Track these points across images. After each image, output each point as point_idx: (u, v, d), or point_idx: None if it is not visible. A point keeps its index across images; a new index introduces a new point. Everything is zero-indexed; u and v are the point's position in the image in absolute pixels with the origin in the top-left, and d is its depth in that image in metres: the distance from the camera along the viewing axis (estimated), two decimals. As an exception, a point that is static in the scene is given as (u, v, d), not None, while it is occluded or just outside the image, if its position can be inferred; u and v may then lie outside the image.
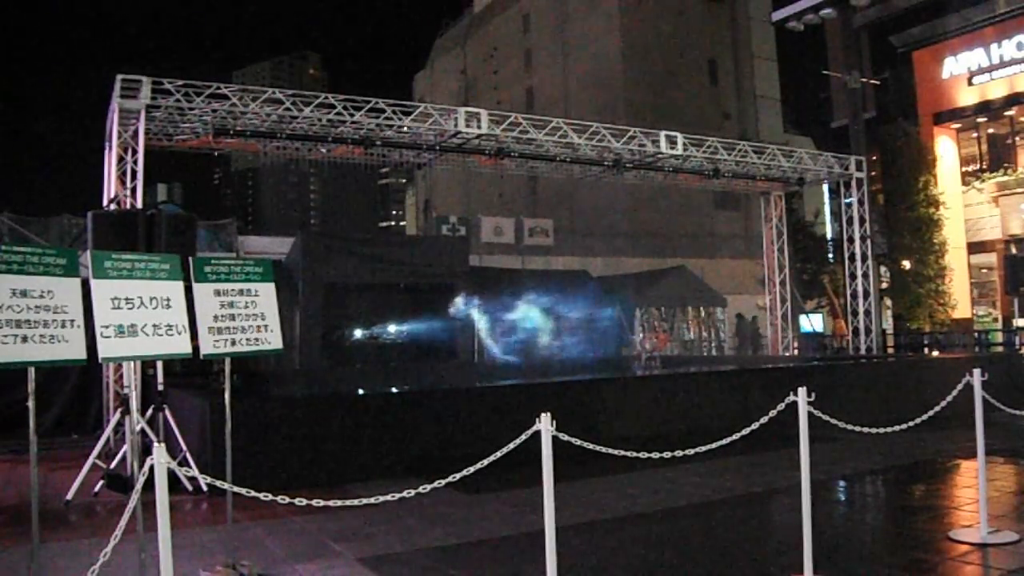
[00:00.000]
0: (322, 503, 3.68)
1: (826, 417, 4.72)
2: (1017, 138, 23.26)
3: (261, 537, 5.52)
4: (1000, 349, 21.58)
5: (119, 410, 7.84)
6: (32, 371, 4.04)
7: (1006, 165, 23.24)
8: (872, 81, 24.94)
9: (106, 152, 11.42)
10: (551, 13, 44.70)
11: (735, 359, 20.10)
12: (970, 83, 23.45)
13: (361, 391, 11.24)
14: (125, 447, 6.85)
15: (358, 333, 18.00)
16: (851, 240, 18.11)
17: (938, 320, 23.04)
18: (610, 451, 4.29)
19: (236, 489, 3.67)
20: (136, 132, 10.87)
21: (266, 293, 5.08)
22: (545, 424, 3.74)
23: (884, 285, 23.60)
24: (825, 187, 27.29)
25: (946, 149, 24.21)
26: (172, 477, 3.31)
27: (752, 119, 42.73)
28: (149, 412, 7.17)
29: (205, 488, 6.77)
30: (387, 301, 17.48)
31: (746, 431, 4.61)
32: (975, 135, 24.25)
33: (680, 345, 21.40)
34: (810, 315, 23.35)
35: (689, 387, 10.73)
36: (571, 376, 14.79)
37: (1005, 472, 7.39)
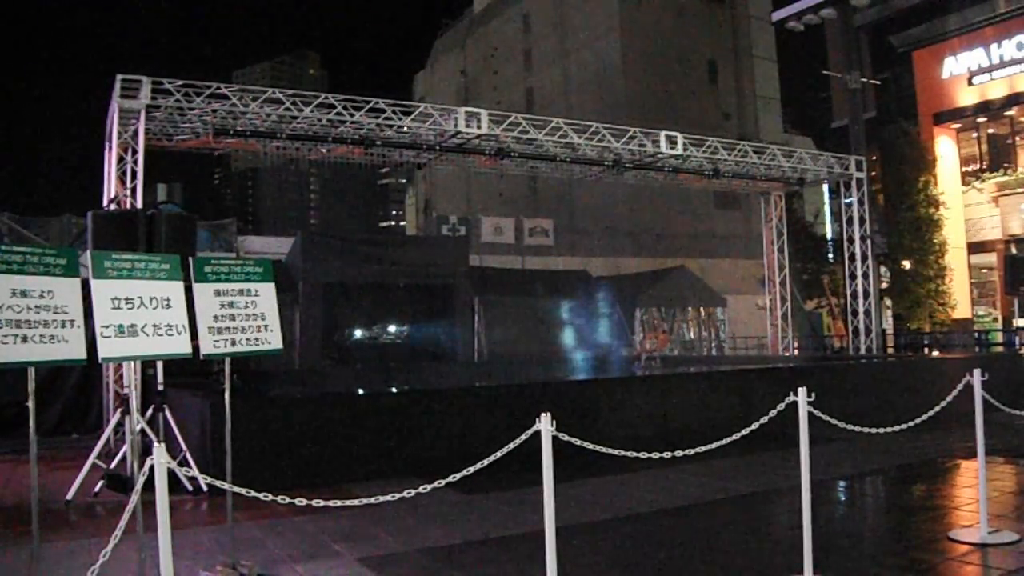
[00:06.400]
0: (322, 503, 3.68)
1: (826, 417, 4.72)
2: (1017, 138, 23.27)
3: (261, 537, 5.52)
4: (1000, 349, 21.58)
5: (119, 410, 7.84)
6: (32, 371, 4.04)
7: (1006, 165, 23.25)
8: (872, 81, 24.94)
9: (106, 152, 11.42)
10: (551, 13, 44.72)
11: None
12: (970, 83, 23.46)
13: (361, 391, 11.24)
14: (125, 447, 6.85)
15: (358, 333, 18.02)
16: (851, 240, 18.11)
17: (938, 320, 23.04)
18: (610, 451, 4.29)
19: (236, 489, 3.67)
20: (136, 132, 10.87)
21: (266, 293, 5.08)
22: (545, 424, 3.74)
23: (884, 285, 23.60)
24: (825, 187, 27.30)
25: (946, 149, 24.22)
26: (172, 477, 3.32)
27: (752, 119, 42.75)
28: (149, 412, 7.17)
29: (205, 488, 6.76)
30: (387, 301, 17.49)
31: (746, 431, 4.61)
32: (975, 135, 24.26)
33: (680, 345, 21.38)
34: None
35: (689, 387, 10.73)
36: (571, 376, 14.80)
37: (1005, 472, 7.39)
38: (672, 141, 15.03)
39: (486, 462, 3.91)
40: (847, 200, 18.29)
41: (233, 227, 20.74)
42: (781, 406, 4.53)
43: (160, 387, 7.14)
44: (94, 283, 4.21)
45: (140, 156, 10.81)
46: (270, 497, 3.60)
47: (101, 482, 6.91)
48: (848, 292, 18.39)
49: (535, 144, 14.59)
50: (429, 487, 3.81)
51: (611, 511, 6.13)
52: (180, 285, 4.58)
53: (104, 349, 4.15)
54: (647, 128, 15.62)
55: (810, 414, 4.35)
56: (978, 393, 5.24)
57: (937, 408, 5.67)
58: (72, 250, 4.31)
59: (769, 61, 43.87)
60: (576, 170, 16.43)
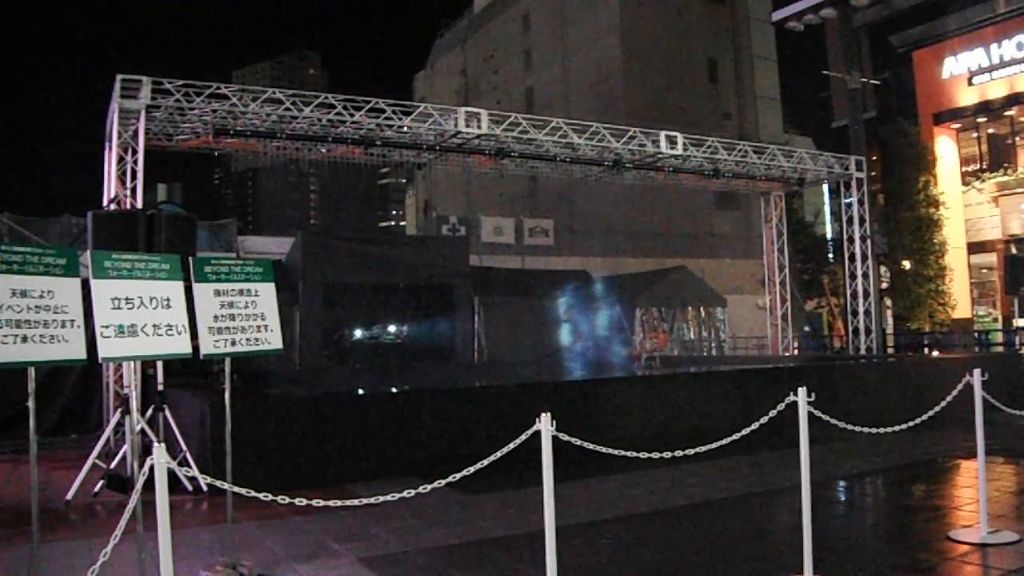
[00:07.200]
0: (322, 503, 3.68)
1: (826, 417, 4.72)
2: (1017, 138, 23.26)
3: (261, 537, 5.52)
4: (1000, 349, 21.58)
5: (119, 410, 7.84)
6: (32, 371, 4.04)
7: (1006, 165, 23.24)
8: (872, 81, 24.95)
9: (106, 152, 11.42)
10: (551, 13, 44.72)
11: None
12: (970, 83, 23.45)
13: (361, 391, 11.24)
14: (125, 447, 6.85)
15: (358, 333, 18.02)
16: (851, 240, 18.11)
17: (938, 320, 23.03)
18: (610, 451, 4.29)
19: (236, 489, 3.67)
20: (136, 132, 10.87)
21: (266, 293, 5.08)
22: (545, 424, 3.74)
23: (884, 285, 23.60)
24: (825, 187, 27.30)
25: (946, 149, 24.21)
26: (172, 477, 3.32)
27: (752, 119, 42.74)
28: (149, 412, 7.17)
29: (205, 488, 6.77)
30: (387, 301, 17.48)
31: (746, 431, 4.61)
32: (975, 135, 24.25)
33: (680, 345, 21.37)
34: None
35: (689, 387, 10.73)
36: (571, 376, 14.80)
37: (1005, 472, 7.39)
38: (672, 141, 15.03)
39: (486, 462, 3.91)
40: (847, 200, 18.28)
41: (233, 227, 20.73)
42: (781, 406, 4.53)
43: (160, 387, 7.14)
44: (94, 283, 4.21)
45: (140, 156, 10.81)
46: (270, 497, 3.60)
47: (101, 482, 6.92)
48: (848, 292, 18.38)
49: (535, 144, 14.58)
50: (429, 487, 3.81)
51: (611, 511, 6.13)
52: (180, 285, 4.58)
53: (104, 349, 4.15)
54: (647, 128, 15.61)
55: (810, 414, 4.35)
56: (978, 393, 5.24)
57: (937, 408, 5.67)
58: (72, 250, 4.32)
59: (769, 61, 43.86)
60: (576, 170, 16.42)
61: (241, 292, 4.95)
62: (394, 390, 10.29)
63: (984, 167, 23.91)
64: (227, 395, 5.02)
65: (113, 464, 7.22)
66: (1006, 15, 22.58)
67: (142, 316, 4.32)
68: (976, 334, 23.02)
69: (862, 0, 22.04)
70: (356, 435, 7.70)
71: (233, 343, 4.84)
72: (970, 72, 23.43)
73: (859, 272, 17.92)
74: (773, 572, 4.48)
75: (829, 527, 5.52)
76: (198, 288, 4.76)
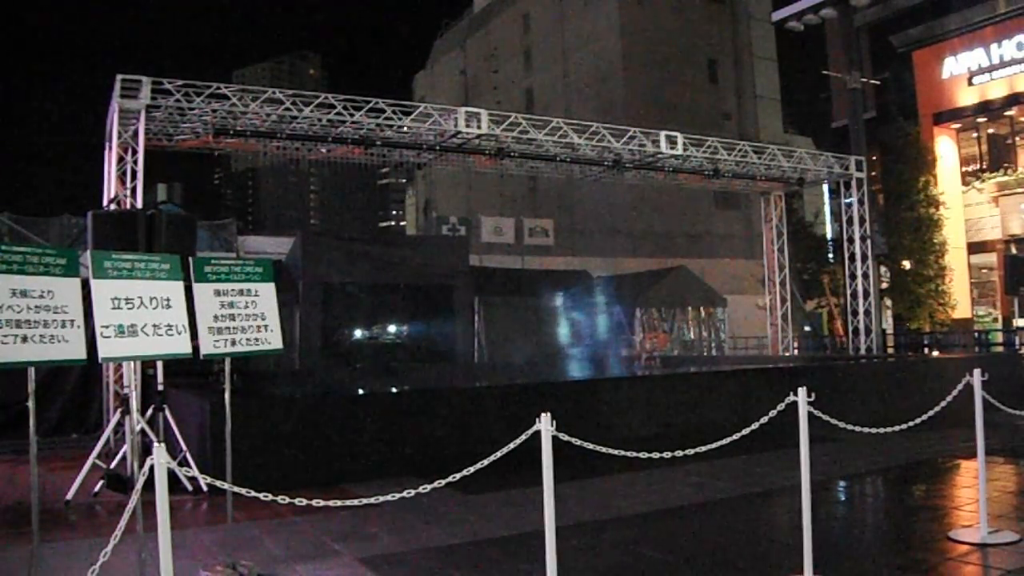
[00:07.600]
0: (322, 503, 3.68)
1: (826, 417, 4.72)
2: (1017, 138, 23.27)
3: (261, 537, 5.52)
4: (1000, 349, 21.58)
5: (119, 410, 7.84)
6: (32, 371, 4.04)
7: (1006, 165, 23.24)
8: (872, 81, 24.93)
9: (106, 152, 11.42)
10: (551, 13, 44.75)
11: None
12: (970, 83, 23.46)
13: (361, 391, 11.24)
14: (125, 447, 6.85)
15: (358, 333, 18.00)
16: (851, 240, 18.10)
17: (938, 320, 23.04)
18: (610, 451, 4.29)
19: (236, 489, 3.67)
20: (136, 132, 10.86)
21: (266, 293, 5.08)
22: (545, 424, 3.74)
23: (884, 285, 23.61)
24: (825, 187, 27.28)
25: (946, 149, 24.21)
26: (172, 477, 3.31)
27: (752, 119, 42.75)
28: (149, 412, 7.17)
29: (205, 488, 6.76)
30: (387, 301, 17.46)
31: (746, 431, 4.61)
32: (975, 135, 24.25)
33: (680, 345, 21.36)
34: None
35: (689, 387, 10.73)
36: (571, 376, 14.80)
37: (1005, 472, 7.39)
38: (672, 141, 15.02)
39: (486, 462, 3.91)
40: (847, 200, 18.28)
41: (233, 227, 20.76)
42: (781, 406, 4.53)
43: (160, 387, 7.14)
44: (94, 283, 4.21)
45: (140, 156, 10.80)
46: (270, 497, 3.60)
47: (101, 482, 6.91)
48: (848, 292, 18.38)
49: (535, 144, 14.58)
50: (429, 487, 3.81)
51: (611, 511, 6.13)
52: (180, 285, 4.58)
53: (104, 349, 4.15)
54: (647, 128, 15.61)
55: (810, 414, 4.35)
56: (978, 393, 5.23)
57: (937, 408, 5.67)
58: (72, 250, 4.32)
59: (769, 61, 43.89)
60: (576, 170, 16.42)
61: (241, 292, 4.95)
62: (394, 390, 10.30)
63: (984, 167, 23.92)
64: (227, 395, 5.02)
65: (113, 464, 7.22)
66: (1006, 15, 22.58)
67: (142, 316, 4.32)
68: (976, 334, 23.02)
69: (862, 0, 22.03)
70: (356, 435, 7.70)
71: (233, 343, 4.84)
72: (970, 72, 23.43)
73: (859, 272, 17.91)
74: (773, 572, 4.48)
75: (829, 527, 5.52)
76: (198, 288, 4.76)
